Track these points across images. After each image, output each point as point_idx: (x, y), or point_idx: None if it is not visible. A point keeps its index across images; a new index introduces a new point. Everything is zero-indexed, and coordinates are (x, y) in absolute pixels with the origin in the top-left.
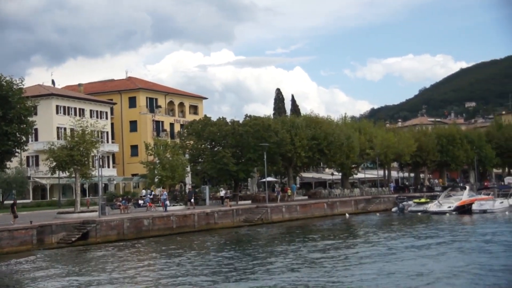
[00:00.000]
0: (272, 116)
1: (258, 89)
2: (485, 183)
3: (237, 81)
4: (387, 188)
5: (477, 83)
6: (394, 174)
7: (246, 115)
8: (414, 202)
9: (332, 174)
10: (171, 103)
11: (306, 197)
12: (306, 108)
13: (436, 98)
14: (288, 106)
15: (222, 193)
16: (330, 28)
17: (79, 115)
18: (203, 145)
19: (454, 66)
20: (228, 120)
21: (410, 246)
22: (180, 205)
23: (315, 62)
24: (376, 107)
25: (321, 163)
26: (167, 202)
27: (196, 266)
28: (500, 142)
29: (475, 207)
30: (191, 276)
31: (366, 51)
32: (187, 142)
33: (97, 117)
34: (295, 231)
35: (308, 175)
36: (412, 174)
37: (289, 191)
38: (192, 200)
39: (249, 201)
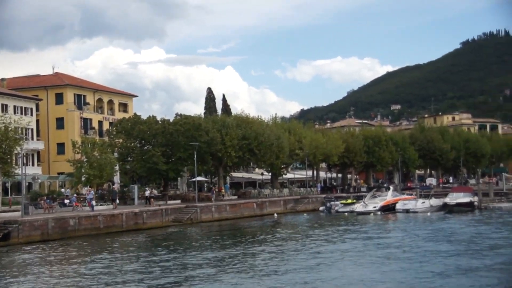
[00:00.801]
0: (203, 115)
1: (189, 88)
2: (408, 184)
3: (168, 80)
4: (315, 189)
5: (402, 86)
6: (322, 174)
7: (177, 114)
8: (341, 203)
9: (262, 174)
10: (100, 100)
11: (236, 197)
12: (237, 107)
13: (363, 100)
14: (219, 105)
15: (147, 193)
16: (261, 29)
17: (2, 111)
18: (132, 144)
19: (381, 69)
20: (158, 118)
21: (323, 246)
22: (108, 204)
23: (246, 62)
24: (306, 108)
25: (251, 163)
26: (93, 202)
27: (118, 268)
28: (423, 144)
29: (398, 206)
30: (115, 278)
31: (296, 52)
32: (116, 141)
33: (21, 113)
34: (220, 232)
35: (238, 175)
36: (339, 175)
37: (223, 191)
38: (117, 200)
39: (179, 201)
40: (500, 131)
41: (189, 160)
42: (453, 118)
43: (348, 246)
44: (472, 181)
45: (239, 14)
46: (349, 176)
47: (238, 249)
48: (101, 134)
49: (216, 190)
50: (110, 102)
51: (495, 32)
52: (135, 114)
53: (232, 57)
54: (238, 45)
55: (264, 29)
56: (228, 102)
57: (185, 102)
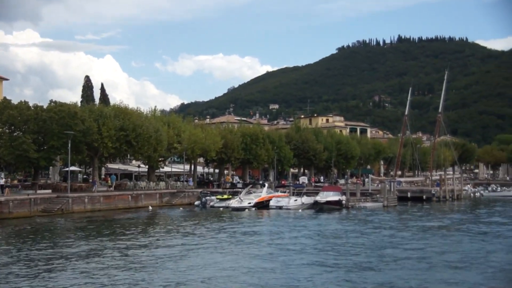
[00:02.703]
0: (79, 103)
1: (65, 75)
2: (283, 182)
3: (42, 64)
4: (192, 183)
5: (281, 86)
6: (200, 169)
7: (51, 101)
8: (217, 198)
9: (139, 166)
10: None
11: (107, 188)
12: (115, 98)
13: (243, 98)
14: (97, 94)
15: (2, 181)
16: (144, 20)
17: None
18: (0, 129)
19: (261, 69)
20: (31, 104)
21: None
22: None
23: (127, 52)
24: (186, 102)
25: (128, 155)
26: None
27: None
28: (298, 144)
29: (272, 203)
30: None
31: (178, 46)
32: None
33: None
34: (87, 224)
35: (114, 166)
36: (217, 170)
37: (109, 181)
38: None
39: (50, 191)
40: (369, 134)
41: (63, 149)
42: (327, 120)
43: (210, 241)
44: (342, 181)
45: (121, 3)
46: (226, 171)
47: (102, 242)
48: None
49: (96, 179)
50: None
51: (367, 41)
52: (4, 98)
53: (112, 46)
54: (119, 34)
55: (146, 20)
56: (107, 92)
57: (61, 89)
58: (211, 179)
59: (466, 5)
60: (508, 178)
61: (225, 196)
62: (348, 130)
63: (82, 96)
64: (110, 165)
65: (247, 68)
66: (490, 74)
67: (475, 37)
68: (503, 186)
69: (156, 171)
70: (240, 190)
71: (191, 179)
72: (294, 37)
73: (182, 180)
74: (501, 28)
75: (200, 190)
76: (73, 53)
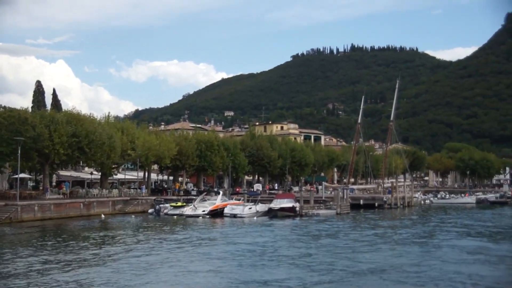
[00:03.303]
0: (30, 109)
1: (15, 79)
2: (237, 189)
3: None
4: (145, 190)
5: (236, 94)
6: (154, 176)
7: (0, 106)
8: (171, 206)
9: (91, 174)
10: None
11: (62, 196)
12: (68, 104)
13: (198, 104)
14: (48, 100)
15: None
16: (97, 25)
17: None
18: None
19: (216, 75)
20: None
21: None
22: None
23: (79, 58)
24: (140, 108)
25: (81, 162)
26: None
27: None
28: (253, 151)
29: (226, 211)
30: None
31: (132, 52)
32: None
33: None
34: (37, 233)
35: (66, 173)
36: (171, 177)
37: (64, 189)
38: None
39: None
40: (322, 142)
41: (12, 156)
42: (282, 128)
43: (161, 249)
44: (296, 188)
45: (74, 8)
46: (180, 179)
47: (50, 253)
48: None
49: (51, 187)
50: None
51: (321, 49)
52: None
53: (64, 51)
54: (72, 39)
55: (100, 25)
56: (59, 97)
57: (10, 94)
58: (165, 186)
59: (416, 16)
60: (456, 185)
61: (179, 204)
62: (302, 137)
63: (33, 102)
64: (61, 172)
65: (202, 75)
66: (439, 84)
67: (424, 48)
68: (452, 194)
69: (109, 178)
70: (194, 197)
71: (144, 186)
72: (249, 45)
73: (135, 187)
74: (449, 40)
75: (154, 197)
76: (24, 57)
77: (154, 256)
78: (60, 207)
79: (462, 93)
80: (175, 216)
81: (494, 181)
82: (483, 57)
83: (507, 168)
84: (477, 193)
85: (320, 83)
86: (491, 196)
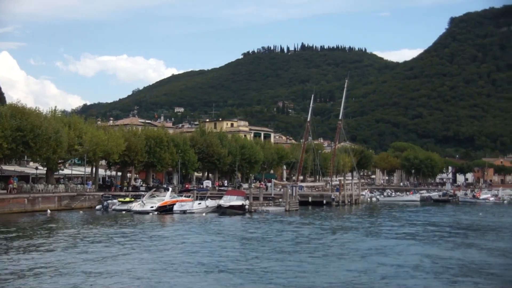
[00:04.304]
0: None
1: None
2: (186, 185)
3: None
4: (91, 186)
5: (186, 90)
6: (101, 172)
7: None
8: (119, 201)
9: (37, 168)
10: None
11: (5, 191)
12: (12, 97)
13: (148, 100)
14: None
15: None
16: (45, 17)
17: None
18: None
19: (166, 71)
20: None
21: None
22: None
23: (25, 50)
24: (88, 103)
25: (25, 156)
26: None
27: None
28: (202, 147)
29: (176, 207)
30: None
31: (80, 45)
32: None
33: None
34: None
35: (9, 167)
36: (119, 173)
37: (14, 183)
38: None
39: None
40: (272, 139)
41: None
42: (232, 125)
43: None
44: (245, 185)
45: None
46: (129, 174)
47: None
48: None
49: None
50: None
51: (272, 47)
52: None
53: (9, 43)
54: (17, 31)
55: (48, 17)
56: (3, 90)
57: None
58: (113, 182)
59: (365, 17)
60: (402, 184)
61: (128, 199)
62: (252, 135)
63: None
64: (5, 167)
65: (152, 70)
66: (387, 84)
67: (373, 48)
68: (397, 192)
69: (55, 173)
70: (143, 193)
71: (90, 182)
72: (200, 41)
73: (81, 183)
74: (396, 41)
75: (101, 193)
76: None
77: (90, 254)
78: (3, 202)
79: (408, 94)
80: (123, 212)
81: (437, 180)
82: (428, 59)
83: (450, 168)
84: (421, 191)
85: (270, 81)
86: (434, 194)
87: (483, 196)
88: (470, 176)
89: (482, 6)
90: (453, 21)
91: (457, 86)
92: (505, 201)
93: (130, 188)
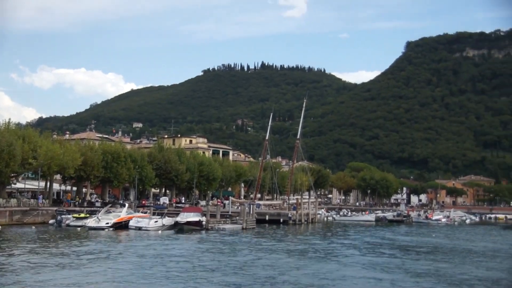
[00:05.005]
0: None
1: None
2: (143, 202)
3: None
4: (46, 200)
5: (145, 105)
6: (56, 186)
7: None
8: (74, 217)
9: None
10: None
11: None
12: None
13: (106, 115)
14: None
15: None
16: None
17: None
18: None
19: (125, 86)
20: None
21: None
22: None
23: None
24: (44, 116)
25: None
26: None
27: None
28: (160, 163)
29: (131, 224)
30: None
31: (37, 57)
32: None
33: None
34: None
35: None
36: (74, 188)
37: None
38: None
39: None
40: (231, 157)
41: None
42: (191, 141)
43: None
44: (203, 203)
45: None
46: (84, 189)
47: None
48: None
49: None
50: None
51: (232, 65)
52: None
53: None
54: None
55: (1, 27)
56: None
57: None
58: (64, 196)
59: (324, 38)
60: (358, 203)
61: (82, 215)
62: (211, 152)
63: None
64: None
65: (111, 84)
66: (344, 105)
67: (331, 69)
68: (353, 211)
69: (8, 187)
70: (98, 209)
71: (41, 196)
72: (160, 57)
73: (34, 197)
74: (354, 63)
75: (55, 208)
76: None
77: (36, 270)
78: None
79: (365, 115)
80: (78, 228)
81: (392, 200)
82: (385, 81)
83: (404, 188)
84: (377, 211)
85: (230, 99)
86: (389, 215)
87: (435, 217)
88: (423, 197)
89: (436, 32)
90: (409, 45)
91: (413, 109)
92: (456, 223)
93: (85, 203)
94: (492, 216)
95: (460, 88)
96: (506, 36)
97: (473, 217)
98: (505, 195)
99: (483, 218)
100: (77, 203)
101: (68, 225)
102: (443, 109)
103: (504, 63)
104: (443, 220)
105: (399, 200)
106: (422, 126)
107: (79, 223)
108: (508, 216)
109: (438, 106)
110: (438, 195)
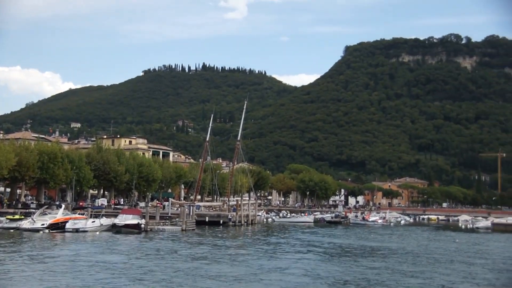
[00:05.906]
0: None
1: None
2: (81, 203)
3: None
4: None
5: (84, 105)
6: None
7: None
8: (7, 219)
9: None
10: None
11: None
12: None
13: (42, 114)
14: None
15: None
16: None
17: None
18: None
19: (63, 85)
20: None
21: None
22: None
23: None
24: None
25: None
26: None
27: None
28: (99, 164)
29: (68, 225)
30: None
31: None
32: None
33: None
34: None
35: None
36: (8, 189)
37: None
38: None
39: None
40: (171, 158)
41: None
42: (130, 142)
43: None
44: (142, 204)
45: None
46: (19, 191)
47: None
48: None
49: None
50: None
51: (173, 66)
52: None
53: None
54: None
55: None
56: None
57: None
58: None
59: (266, 41)
60: (297, 205)
61: (17, 217)
62: (150, 153)
63: None
64: None
65: (48, 83)
66: (284, 107)
67: (272, 72)
68: (292, 213)
69: None
70: (34, 210)
71: None
72: (100, 56)
73: None
74: (294, 66)
75: None
76: None
77: None
78: None
79: (305, 118)
80: (12, 230)
81: (330, 202)
82: (324, 84)
83: (342, 190)
84: (315, 213)
85: (171, 100)
86: (327, 216)
87: (372, 219)
88: (361, 199)
89: (374, 37)
90: (348, 49)
91: (351, 112)
92: (392, 223)
93: (19, 205)
94: (425, 217)
95: (396, 92)
96: (438, 43)
97: (407, 218)
98: (438, 197)
99: (417, 219)
100: (5, 204)
101: (1, 228)
102: (380, 113)
103: (437, 69)
104: (379, 221)
105: (337, 202)
106: (359, 129)
107: (13, 225)
108: (440, 217)
109: (375, 110)
110: (375, 196)
